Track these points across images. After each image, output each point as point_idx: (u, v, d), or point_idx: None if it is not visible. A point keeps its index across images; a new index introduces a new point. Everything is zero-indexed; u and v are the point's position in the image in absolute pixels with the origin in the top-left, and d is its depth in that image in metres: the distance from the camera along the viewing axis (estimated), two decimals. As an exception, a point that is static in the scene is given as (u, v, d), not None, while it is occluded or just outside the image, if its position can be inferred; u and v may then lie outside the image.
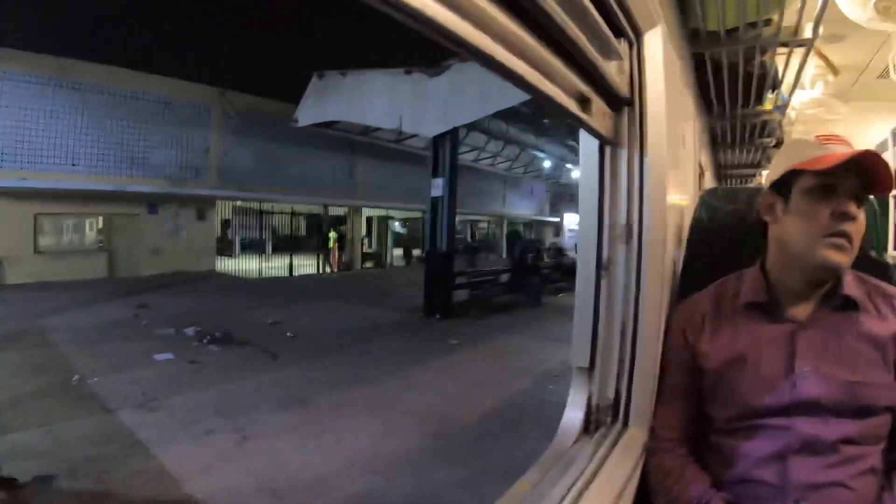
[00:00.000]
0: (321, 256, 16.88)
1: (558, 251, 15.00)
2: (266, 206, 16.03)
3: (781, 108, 2.97)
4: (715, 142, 3.78)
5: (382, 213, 19.45)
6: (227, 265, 15.43)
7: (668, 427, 0.95)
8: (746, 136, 3.63)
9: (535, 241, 24.28)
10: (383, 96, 10.65)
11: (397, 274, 16.77)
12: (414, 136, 12.89)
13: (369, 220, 19.64)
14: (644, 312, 0.98)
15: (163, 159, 13.31)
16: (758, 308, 0.89)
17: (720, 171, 5.27)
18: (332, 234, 17.32)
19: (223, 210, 15.88)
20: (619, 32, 0.90)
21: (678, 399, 0.95)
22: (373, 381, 5.17)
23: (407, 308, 9.48)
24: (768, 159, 4.65)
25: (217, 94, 14.45)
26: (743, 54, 2.01)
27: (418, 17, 0.44)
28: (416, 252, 19.52)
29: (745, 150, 4.32)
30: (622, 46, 0.93)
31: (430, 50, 7.34)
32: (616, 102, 0.98)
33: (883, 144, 3.97)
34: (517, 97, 8.33)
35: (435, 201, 9.48)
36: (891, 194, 3.00)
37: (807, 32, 1.82)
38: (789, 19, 1.75)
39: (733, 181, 6.29)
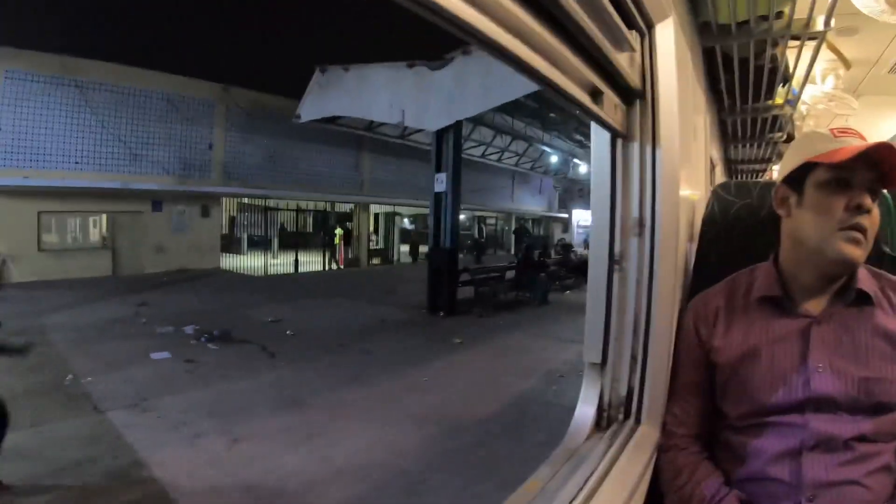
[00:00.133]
0: (327, 253, 16.89)
1: (566, 247, 14.97)
2: (272, 203, 16.05)
3: (793, 102, 2.93)
4: (725, 136, 3.74)
5: (389, 209, 19.44)
6: (231, 262, 15.46)
7: (680, 424, 0.94)
8: (757, 130, 3.59)
9: (543, 237, 24.25)
10: (385, 90, 10.53)
11: (404, 271, 16.77)
12: (419, 131, 12.82)
13: (376, 216, 19.63)
14: (657, 307, 0.97)
15: (166, 156, 13.35)
16: (771, 303, 0.88)
17: (730, 166, 5.22)
18: (338, 231, 17.31)
19: (230, 207, 15.92)
20: (630, 24, 0.89)
21: (691, 395, 0.94)
22: (371, 381, 5.11)
23: (411, 306, 9.46)
24: (779, 155, 4.61)
25: (220, 91, 14.47)
26: (754, 48, 1.99)
27: (436, 9, 0.44)
28: (424, 248, 19.54)
29: (755, 145, 4.27)
30: (634, 38, 0.91)
31: (432, 43, 7.29)
32: (628, 95, 0.97)
33: (894, 139, 3.92)
34: (520, 90, 8.18)
35: (438, 196, 9.38)
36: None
37: (818, 25, 1.80)
38: (801, 12, 1.73)
39: (743, 176, 6.23)
